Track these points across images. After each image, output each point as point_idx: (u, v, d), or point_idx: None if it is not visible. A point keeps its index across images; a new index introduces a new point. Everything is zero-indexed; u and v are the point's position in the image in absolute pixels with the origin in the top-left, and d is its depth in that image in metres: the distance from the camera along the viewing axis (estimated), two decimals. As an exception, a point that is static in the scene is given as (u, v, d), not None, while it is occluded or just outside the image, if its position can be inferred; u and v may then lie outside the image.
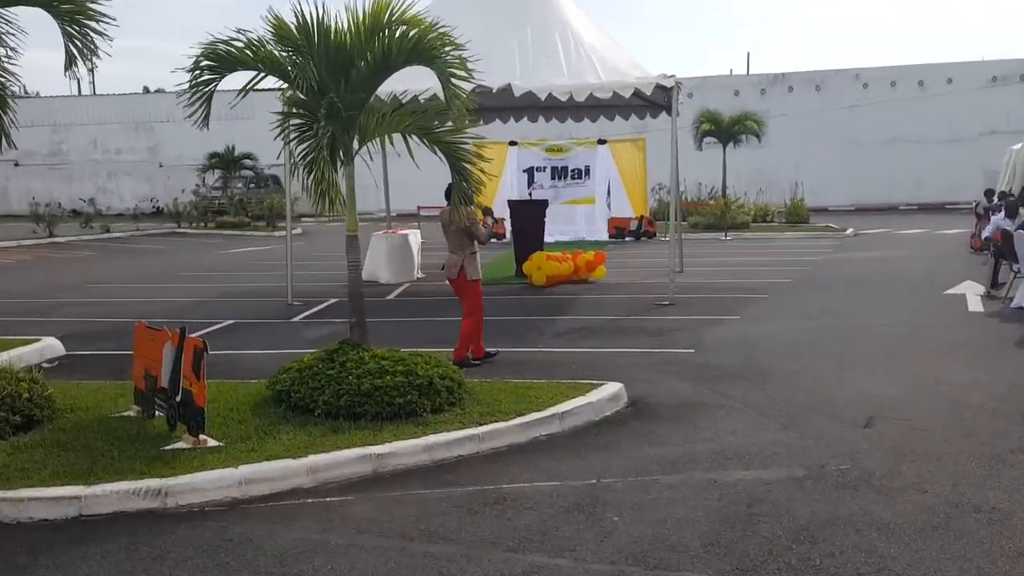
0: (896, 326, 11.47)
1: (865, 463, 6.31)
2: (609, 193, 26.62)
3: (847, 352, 9.94)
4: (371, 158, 8.15)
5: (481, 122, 18.22)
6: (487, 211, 9.98)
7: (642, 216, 26.42)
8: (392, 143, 8.43)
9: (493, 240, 26.05)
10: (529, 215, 17.43)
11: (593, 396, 7.78)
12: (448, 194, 9.48)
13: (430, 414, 7.17)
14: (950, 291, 14.23)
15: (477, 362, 9.56)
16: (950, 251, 20.40)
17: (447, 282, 9.77)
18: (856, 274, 16.89)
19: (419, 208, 28.63)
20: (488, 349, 9.84)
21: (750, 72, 48.65)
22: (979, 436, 6.84)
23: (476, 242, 9.51)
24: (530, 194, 20.67)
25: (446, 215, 9.41)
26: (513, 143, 26.42)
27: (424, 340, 10.71)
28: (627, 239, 25.98)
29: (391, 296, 15.28)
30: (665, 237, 23.80)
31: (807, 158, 39.16)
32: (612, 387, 8.08)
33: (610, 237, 25.96)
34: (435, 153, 8.16)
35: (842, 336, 10.86)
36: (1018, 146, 21.98)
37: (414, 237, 17.59)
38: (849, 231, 27.23)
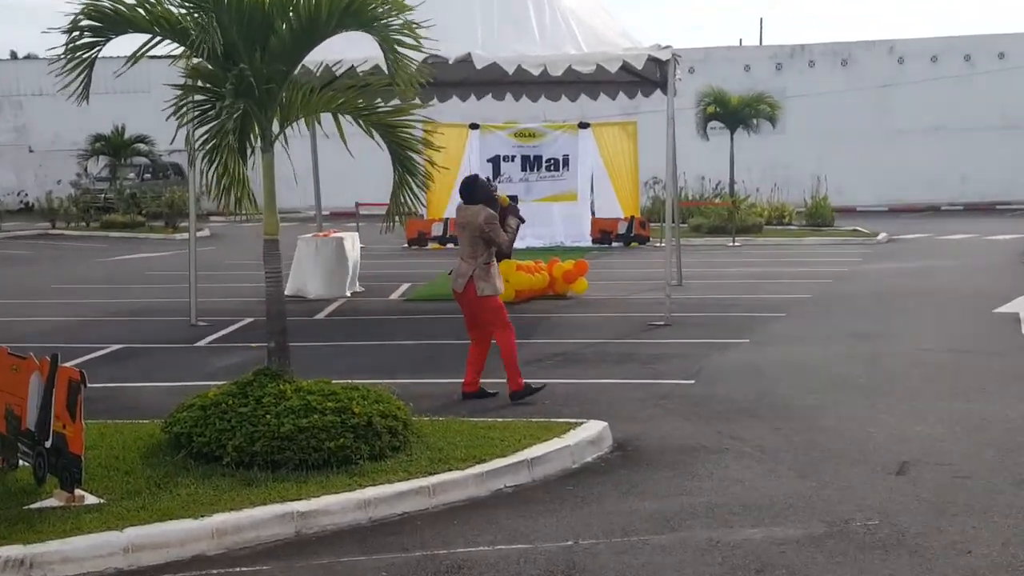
0: (936, 352, 11.60)
1: (897, 518, 6.36)
2: (593, 189, 26.74)
3: (878, 384, 10.03)
4: (287, 142, 8.07)
5: (435, 100, 18.33)
6: (511, 208, 9.78)
7: (632, 217, 26.54)
8: (321, 125, 8.41)
9: (451, 245, 26.21)
10: (493, 215, 17.42)
11: (570, 438, 7.78)
12: (464, 191, 9.60)
13: (368, 461, 7.13)
14: (1001, 309, 14.43)
15: (472, 395, 9.53)
16: (1002, 261, 20.69)
17: (452, 295, 9.73)
18: (889, 289, 17.09)
19: (358, 206, 28.57)
20: (487, 387, 9.64)
21: (763, 43, 49.23)
22: (1037, 486, 6.92)
23: (495, 250, 9.44)
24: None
25: (464, 214, 9.47)
26: (475, 126, 26.46)
27: (362, 370, 10.66)
28: (614, 244, 26.06)
29: (321, 315, 15.22)
30: (660, 243, 23.92)
31: (831, 148, 39.58)
32: (594, 427, 8.10)
33: (594, 242, 26.03)
34: (372, 138, 8.14)
35: (872, 364, 10.97)
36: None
37: (351, 242, 17.54)
38: (881, 236, 27.54)
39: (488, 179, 10.08)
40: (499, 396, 9.57)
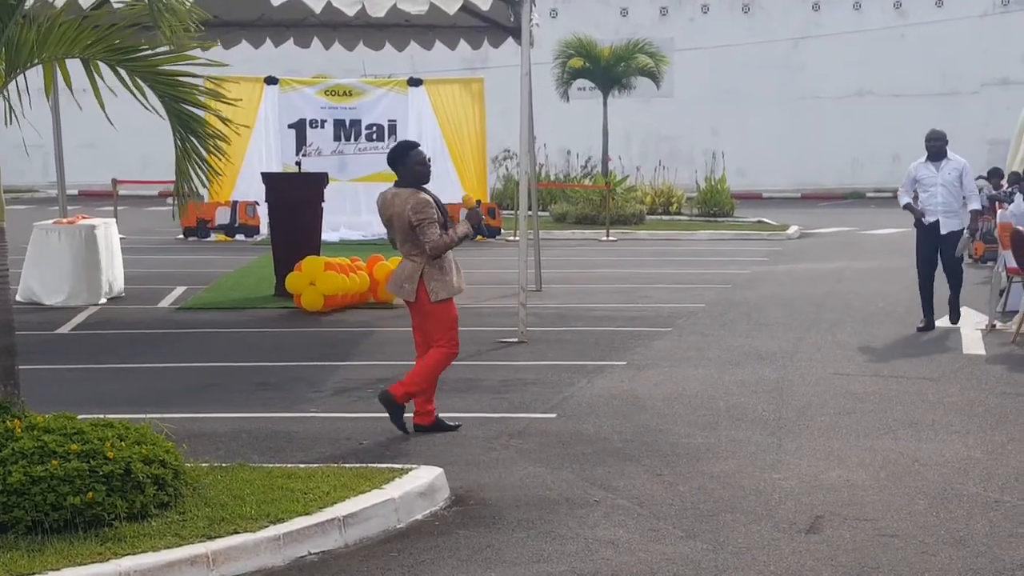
0: (856, 377, 12.01)
1: (810, 588, 6.56)
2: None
3: (785, 418, 10.33)
4: (19, 99, 7.87)
5: (218, 44, 18.06)
6: (473, 215, 10.06)
7: (479, 202, 26.63)
8: (67, 78, 8.23)
9: (240, 237, 25.89)
10: (297, 198, 17.31)
11: (395, 489, 7.78)
12: (394, 160, 9.56)
13: (126, 523, 7.01)
14: (938, 323, 15.00)
15: (425, 428, 9.64)
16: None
17: (405, 305, 9.81)
18: (801, 297, 17.63)
19: (117, 183, 27.95)
20: (445, 417, 9.80)
21: (646, -20, 50.09)
22: (975, 544, 7.22)
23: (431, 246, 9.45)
24: (298, 163, 20.48)
25: (391, 202, 9.48)
26: (271, 80, 26.20)
27: (120, 401, 10.47)
28: (456, 237, 26.26)
29: (65, 328, 14.91)
30: (514, 236, 24.10)
31: (730, 117, 40.48)
32: (426, 474, 8.12)
33: (428, 234, 26.15)
34: (140, 95, 8.01)
35: (779, 393, 11.29)
36: (1036, 104, 23.30)
37: (106, 231, 17.18)
38: (792, 229, 28.35)
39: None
40: (307, 438, 9.51)
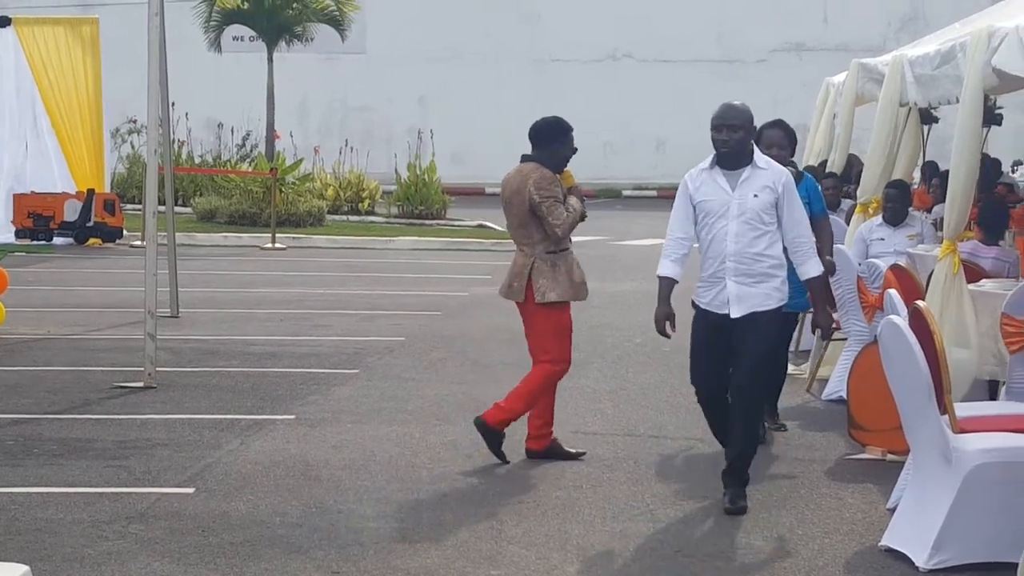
0: (605, 437, 12.21)
1: None
2: (24, 138, 26.75)
3: (508, 492, 10.41)
4: None
5: None
6: (576, 191, 11.21)
7: (92, 192, 26.25)
8: None
9: None
10: None
11: (-42, 599, 7.57)
12: (546, 136, 10.93)
13: None
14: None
15: (538, 453, 11.01)
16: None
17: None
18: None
19: None
20: (571, 447, 11.19)
21: None
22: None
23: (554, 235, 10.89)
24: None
25: (511, 179, 10.83)
26: None
27: None
28: (58, 240, 26.12)
29: None
30: (140, 240, 23.78)
31: (443, 84, 40.84)
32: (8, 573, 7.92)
33: (19, 235, 26.05)
34: None
35: (508, 467, 11.38)
36: (840, 77, 24.11)
37: None
38: (524, 238, 28.76)
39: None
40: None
